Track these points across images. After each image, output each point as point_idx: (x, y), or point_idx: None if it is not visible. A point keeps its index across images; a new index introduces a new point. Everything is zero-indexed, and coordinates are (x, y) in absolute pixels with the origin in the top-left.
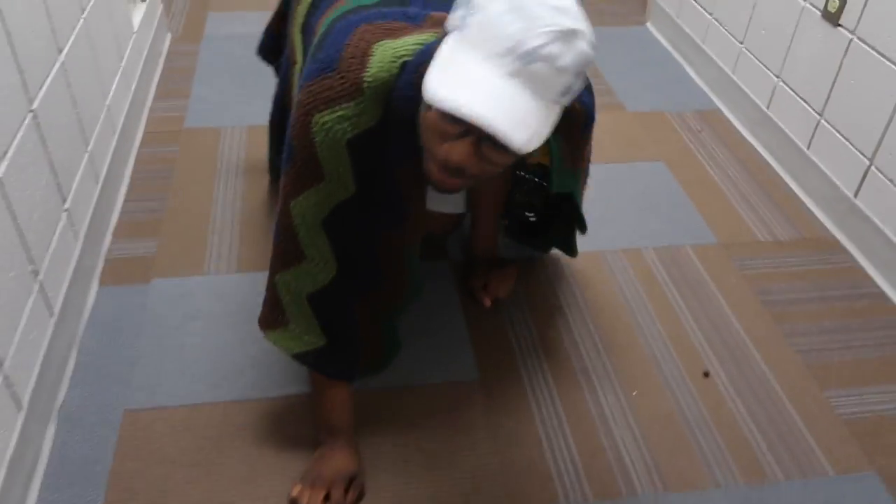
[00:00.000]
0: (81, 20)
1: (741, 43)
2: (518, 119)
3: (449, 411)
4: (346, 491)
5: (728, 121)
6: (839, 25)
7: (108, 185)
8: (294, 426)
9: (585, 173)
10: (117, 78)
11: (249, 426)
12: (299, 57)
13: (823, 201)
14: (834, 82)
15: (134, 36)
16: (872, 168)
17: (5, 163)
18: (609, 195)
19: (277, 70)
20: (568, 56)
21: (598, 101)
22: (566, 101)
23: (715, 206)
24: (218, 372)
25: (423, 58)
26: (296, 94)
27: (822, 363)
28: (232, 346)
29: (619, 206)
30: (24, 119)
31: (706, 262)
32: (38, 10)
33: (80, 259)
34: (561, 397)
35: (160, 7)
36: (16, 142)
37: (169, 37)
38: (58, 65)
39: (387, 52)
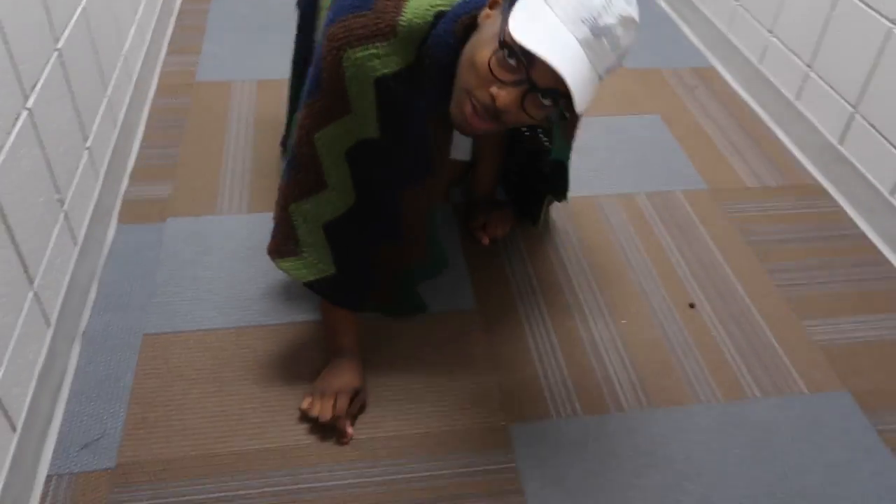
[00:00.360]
0: None
1: (736, 0)
2: (584, 83)
3: (449, 339)
4: (351, 401)
5: (722, 77)
6: None
7: (125, 130)
8: (303, 349)
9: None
10: (132, 30)
11: (261, 348)
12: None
13: (810, 149)
14: (822, 34)
15: None
16: (856, 116)
17: (34, 95)
18: (605, 145)
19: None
20: (626, 40)
21: None
22: (606, 77)
23: (706, 156)
24: (230, 300)
25: (465, 9)
26: (323, 30)
27: (802, 296)
28: (243, 278)
29: (614, 155)
30: (51, 57)
31: (696, 206)
32: None
33: (100, 197)
34: (554, 326)
35: None
36: (44, 76)
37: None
38: (80, 9)
39: (415, 9)
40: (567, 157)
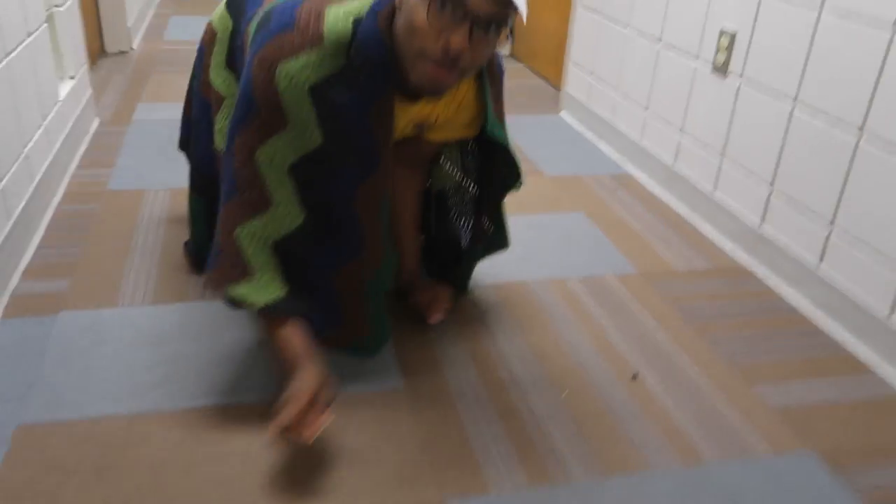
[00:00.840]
0: (4, 60)
1: (646, 109)
2: None
3: (375, 416)
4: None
5: (639, 182)
6: (728, 74)
7: (21, 227)
8: (205, 434)
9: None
10: (38, 133)
11: (157, 435)
12: (234, 89)
13: (732, 235)
14: (730, 125)
15: (59, 104)
16: (772, 195)
17: None
18: (532, 238)
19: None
20: None
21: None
22: None
23: (632, 245)
24: (125, 388)
25: (379, 6)
26: (249, 58)
27: (748, 364)
28: (141, 365)
29: (542, 246)
30: None
31: (628, 287)
32: None
33: None
34: (490, 399)
35: (89, 91)
36: None
37: (97, 121)
38: None
39: (339, 13)
40: (503, 137)
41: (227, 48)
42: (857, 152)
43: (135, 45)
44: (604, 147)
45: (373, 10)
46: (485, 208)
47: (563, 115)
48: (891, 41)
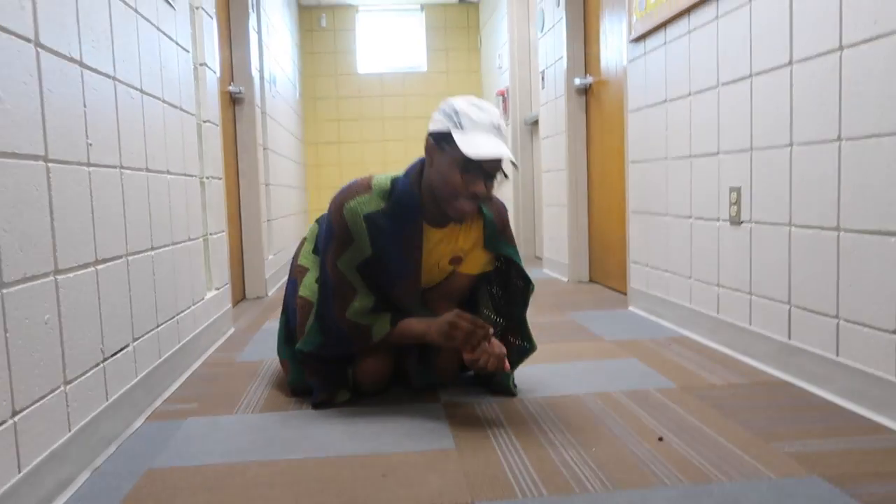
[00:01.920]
0: (171, 247)
1: (689, 278)
2: (508, 154)
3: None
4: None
5: (691, 338)
6: (741, 223)
7: (167, 367)
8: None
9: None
10: (186, 311)
11: (250, 470)
12: (312, 264)
13: (766, 355)
14: (750, 264)
15: (204, 302)
16: (791, 309)
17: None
18: (587, 371)
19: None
20: (504, 125)
21: (580, 338)
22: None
23: (677, 373)
24: (250, 445)
25: (410, 172)
26: (328, 211)
27: (771, 431)
28: (243, 438)
29: (595, 377)
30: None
31: (668, 396)
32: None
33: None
34: (526, 453)
35: (229, 306)
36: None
37: (233, 329)
38: (152, 258)
39: (380, 177)
40: (515, 255)
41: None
42: (840, 248)
43: (269, 293)
44: (664, 322)
45: (406, 174)
46: (512, 327)
47: (631, 308)
48: (839, 155)
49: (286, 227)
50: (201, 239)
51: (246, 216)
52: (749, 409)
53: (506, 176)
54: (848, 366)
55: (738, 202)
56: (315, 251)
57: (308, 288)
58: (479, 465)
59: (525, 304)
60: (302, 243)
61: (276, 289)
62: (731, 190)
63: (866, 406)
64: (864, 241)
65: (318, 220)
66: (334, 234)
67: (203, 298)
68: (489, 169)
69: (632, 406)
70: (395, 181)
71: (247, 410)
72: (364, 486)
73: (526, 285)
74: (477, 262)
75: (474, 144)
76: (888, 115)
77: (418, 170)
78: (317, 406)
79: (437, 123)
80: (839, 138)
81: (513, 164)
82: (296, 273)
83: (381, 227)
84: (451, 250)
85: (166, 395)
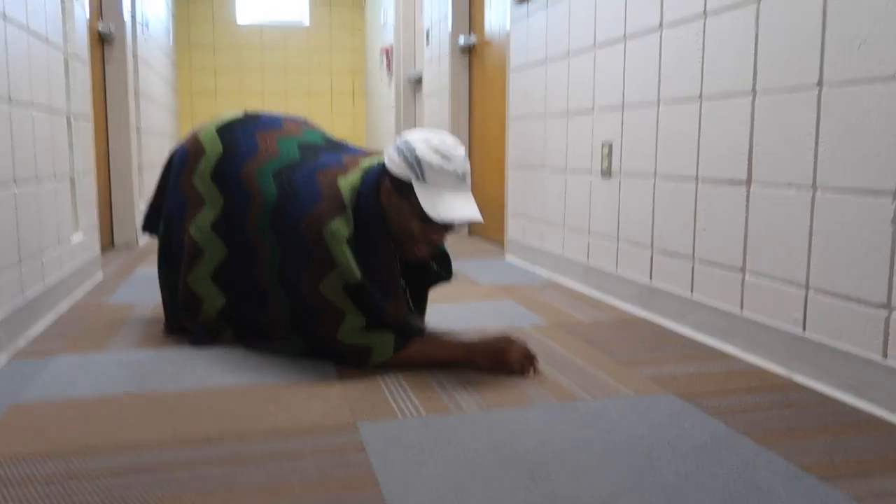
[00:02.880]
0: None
1: (563, 227)
2: (475, 209)
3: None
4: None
5: (564, 284)
6: (611, 176)
7: (30, 310)
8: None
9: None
10: (52, 250)
11: (120, 401)
12: (217, 197)
13: (630, 296)
14: (619, 212)
15: (71, 245)
16: (653, 254)
17: None
18: (467, 315)
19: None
20: (468, 166)
21: (459, 284)
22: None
23: (548, 312)
24: (108, 384)
25: (368, 184)
26: (293, 225)
27: (625, 359)
28: (119, 377)
29: (473, 316)
30: None
31: (540, 332)
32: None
33: None
34: (407, 380)
35: (97, 251)
36: None
37: (101, 275)
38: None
39: (346, 185)
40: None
41: (214, 165)
42: (697, 197)
43: (140, 242)
44: (539, 269)
45: (363, 190)
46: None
47: (508, 258)
48: (700, 112)
49: (157, 174)
50: (68, 179)
51: (116, 162)
52: (613, 341)
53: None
54: (700, 302)
55: (609, 156)
56: (215, 227)
57: (198, 229)
58: (361, 392)
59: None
60: (195, 151)
61: (147, 238)
62: (604, 144)
63: (715, 337)
64: (717, 190)
65: (173, 154)
66: (312, 257)
67: (69, 240)
68: (450, 224)
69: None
70: (357, 196)
71: (120, 348)
72: (245, 414)
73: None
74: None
75: (440, 206)
76: (741, 76)
77: (375, 190)
78: (196, 344)
79: (396, 167)
80: (700, 97)
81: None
82: (186, 191)
83: (361, 253)
84: None
85: (31, 335)
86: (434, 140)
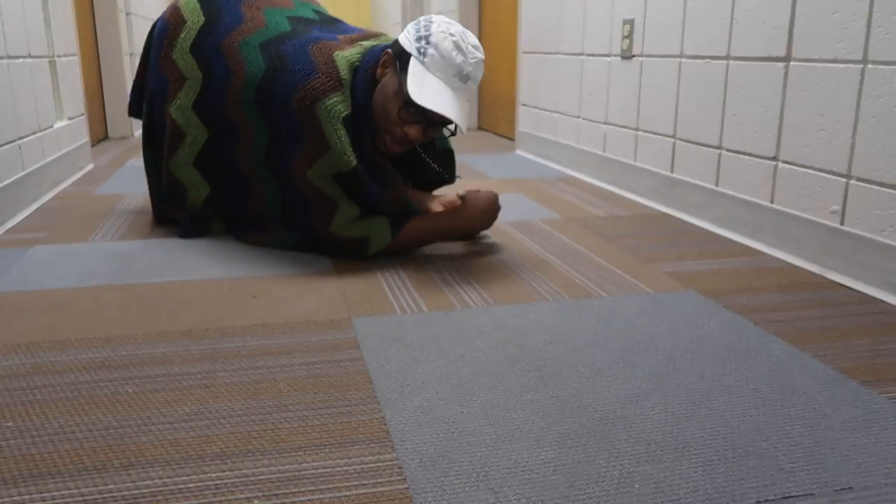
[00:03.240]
0: (5, 61)
1: (578, 117)
2: (462, 114)
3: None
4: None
5: (577, 177)
6: (632, 57)
7: (7, 196)
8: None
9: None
10: (32, 137)
11: (103, 294)
12: (196, 73)
13: (648, 190)
14: (639, 99)
15: (53, 130)
16: (676, 144)
17: None
18: None
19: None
20: (479, 74)
21: (467, 177)
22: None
23: (562, 207)
24: (84, 275)
25: (368, 63)
26: (284, 101)
27: (645, 254)
28: (103, 267)
29: None
30: None
31: (552, 226)
32: None
33: None
34: (404, 270)
35: (86, 139)
36: None
37: (92, 165)
38: None
39: (343, 60)
40: (450, 147)
41: (195, 38)
42: (728, 77)
43: (135, 133)
44: (552, 163)
45: (363, 67)
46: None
47: (519, 151)
48: None
49: None
50: (46, 59)
51: (104, 45)
52: (630, 236)
53: (452, 133)
54: (727, 194)
55: (630, 35)
56: (196, 107)
57: (179, 110)
58: (358, 286)
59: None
60: (176, 23)
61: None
62: (625, 22)
63: (741, 232)
64: (750, 68)
65: (153, 26)
66: (305, 138)
67: (52, 126)
68: (433, 118)
69: (516, 234)
70: (355, 72)
71: (104, 239)
72: (232, 306)
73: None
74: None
75: (425, 91)
76: None
77: (373, 67)
78: (184, 236)
79: (405, 41)
80: None
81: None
82: (165, 69)
83: (358, 134)
84: None
85: (10, 224)
86: (456, 30)
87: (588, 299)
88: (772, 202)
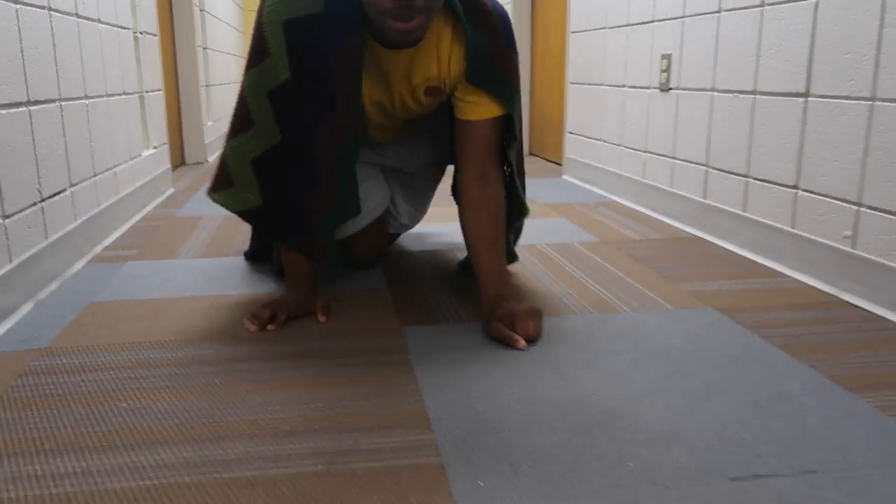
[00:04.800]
0: (105, 98)
1: (619, 145)
2: None
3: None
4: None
5: (618, 202)
6: (669, 90)
7: (107, 216)
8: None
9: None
10: (124, 165)
11: (184, 305)
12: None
13: (683, 214)
14: (675, 129)
15: (142, 158)
16: (708, 172)
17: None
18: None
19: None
20: None
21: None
22: None
23: (600, 230)
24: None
25: None
26: None
27: (674, 275)
28: (188, 279)
29: (526, 232)
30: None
31: (589, 248)
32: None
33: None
34: (452, 289)
35: (167, 166)
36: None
37: (172, 190)
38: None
39: None
40: (501, 92)
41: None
42: (754, 111)
43: (210, 159)
44: (595, 188)
45: None
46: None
47: (565, 176)
48: (761, 20)
49: (226, 95)
50: (137, 95)
51: (183, 79)
52: (661, 258)
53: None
54: (752, 220)
55: (668, 69)
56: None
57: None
58: (408, 301)
59: (516, 157)
60: None
61: (216, 155)
62: (663, 57)
63: (765, 255)
64: (774, 103)
65: None
66: (252, 41)
67: (140, 155)
68: None
69: (554, 255)
70: None
71: (187, 256)
72: (298, 318)
73: (512, 139)
74: (476, 105)
75: None
76: None
77: None
78: (248, 257)
79: None
80: (762, 3)
81: None
82: None
83: (304, 43)
84: (426, 78)
85: (107, 242)
86: None
87: (612, 314)
88: (793, 227)
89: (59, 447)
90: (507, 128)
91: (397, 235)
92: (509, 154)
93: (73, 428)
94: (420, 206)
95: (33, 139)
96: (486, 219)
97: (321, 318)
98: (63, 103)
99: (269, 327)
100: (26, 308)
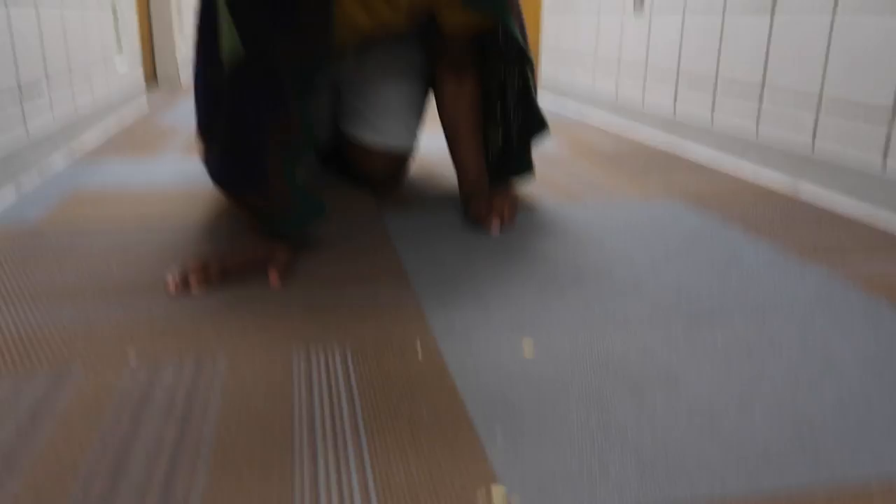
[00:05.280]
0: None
1: (593, 56)
2: None
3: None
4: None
5: (595, 116)
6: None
7: (86, 117)
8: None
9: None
10: (100, 64)
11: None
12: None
13: (652, 121)
14: (648, 44)
15: (115, 65)
16: (676, 80)
17: None
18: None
19: None
20: None
21: None
22: None
23: (570, 136)
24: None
25: None
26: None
27: (643, 175)
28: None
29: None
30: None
31: (564, 155)
32: None
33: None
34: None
35: (141, 74)
36: None
37: (146, 103)
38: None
39: None
40: (500, 11)
41: None
42: (724, 24)
43: (182, 77)
44: (569, 103)
45: None
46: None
47: (540, 93)
48: None
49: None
50: (110, 7)
51: (155, 1)
52: (631, 164)
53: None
54: (720, 125)
55: None
56: None
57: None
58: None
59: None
60: None
61: (189, 73)
62: None
63: (734, 157)
64: (740, 18)
65: None
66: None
67: (114, 63)
68: None
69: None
70: None
71: (166, 158)
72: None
73: (521, 58)
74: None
75: None
76: None
77: None
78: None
79: None
80: None
81: None
82: None
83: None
84: None
85: (85, 145)
86: None
87: (581, 202)
88: (756, 137)
89: (57, 294)
90: (511, 42)
91: (406, 161)
92: (526, 68)
93: (71, 279)
94: (409, 118)
95: (11, 35)
96: (465, 112)
97: (272, 281)
98: (40, 8)
99: (192, 289)
100: (8, 193)
